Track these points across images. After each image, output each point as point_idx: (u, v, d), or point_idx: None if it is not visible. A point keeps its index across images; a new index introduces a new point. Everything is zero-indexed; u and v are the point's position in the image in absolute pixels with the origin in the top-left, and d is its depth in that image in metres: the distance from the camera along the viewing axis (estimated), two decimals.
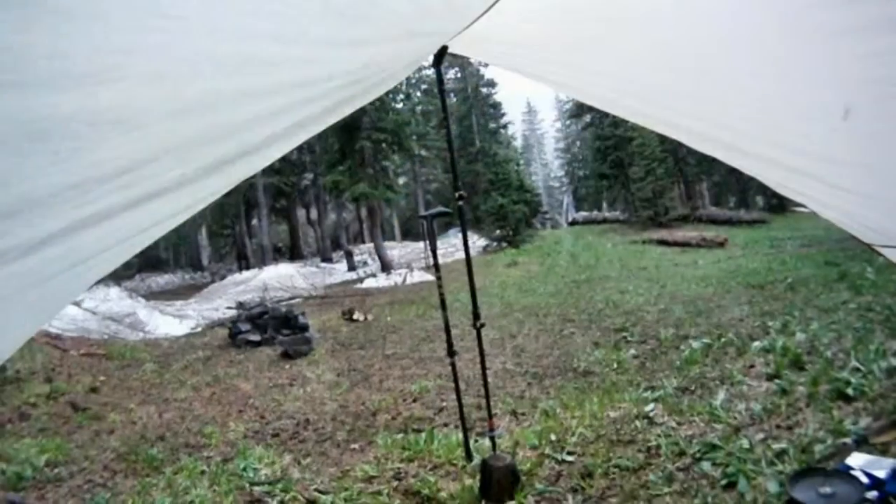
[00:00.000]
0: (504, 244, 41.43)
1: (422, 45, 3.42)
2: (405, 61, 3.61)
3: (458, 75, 61.23)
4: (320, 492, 6.21)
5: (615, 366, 10.44)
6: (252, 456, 7.52)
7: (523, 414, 8.21)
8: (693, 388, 8.14)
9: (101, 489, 7.13)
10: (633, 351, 11.36)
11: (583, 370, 10.55)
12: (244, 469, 7.05)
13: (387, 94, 41.18)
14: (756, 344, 9.83)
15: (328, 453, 7.74)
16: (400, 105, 47.52)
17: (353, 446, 7.89)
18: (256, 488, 6.48)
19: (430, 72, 67.55)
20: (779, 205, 44.08)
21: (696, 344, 10.61)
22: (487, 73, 66.05)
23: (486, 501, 5.30)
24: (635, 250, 32.18)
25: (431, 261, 6.00)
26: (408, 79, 64.21)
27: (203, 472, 7.23)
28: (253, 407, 10.84)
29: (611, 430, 6.76)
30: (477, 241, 41.76)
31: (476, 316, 5.62)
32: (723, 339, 10.65)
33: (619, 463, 5.87)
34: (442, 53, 4.18)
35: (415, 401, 10.06)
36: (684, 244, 31.41)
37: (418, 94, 66.23)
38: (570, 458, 6.15)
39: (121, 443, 9.07)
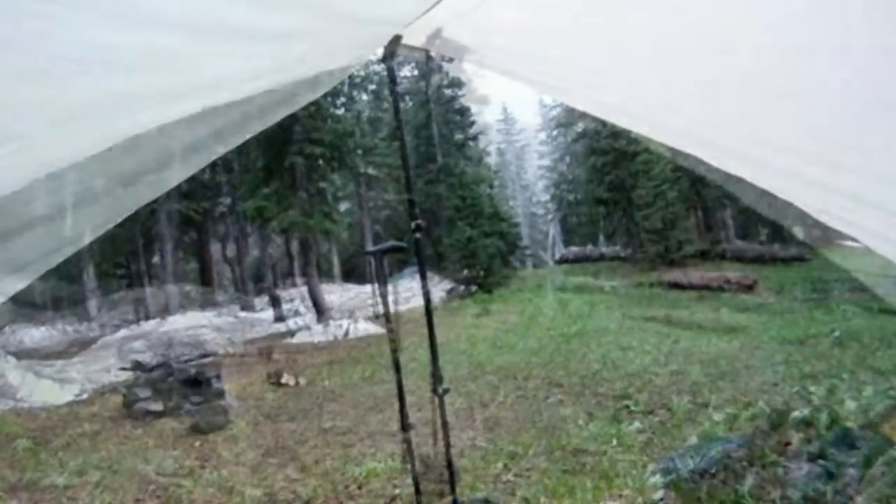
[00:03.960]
0: (473, 288, 41.67)
1: (368, 36, 3.42)
2: (347, 56, 3.64)
3: (415, 73, 61.36)
4: None
5: (614, 442, 10.54)
6: None
7: None
8: (714, 470, 8.23)
9: None
10: (637, 424, 11.50)
11: (573, 448, 10.62)
12: None
13: (324, 96, 41.14)
14: (794, 415, 9.97)
15: None
16: (341, 111, 47.39)
17: None
18: None
19: (380, 68, 67.94)
20: (823, 237, 44.43)
21: (717, 416, 10.76)
22: (452, 71, 66.29)
23: None
24: (640, 295, 32.55)
25: (381, 308, 5.98)
26: (350, 77, 64.50)
27: None
28: (154, 496, 10.80)
29: None
30: (439, 284, 42.00)
31: (437, 379, 5.63)
32: (751, 409, 10.80)
33: None
34: (394, 46, 4.01)
35: (360, 488, 10.08)
36: (703, 287, 31.82)
37: (364, 97, 66.29)
38: None
39: None
